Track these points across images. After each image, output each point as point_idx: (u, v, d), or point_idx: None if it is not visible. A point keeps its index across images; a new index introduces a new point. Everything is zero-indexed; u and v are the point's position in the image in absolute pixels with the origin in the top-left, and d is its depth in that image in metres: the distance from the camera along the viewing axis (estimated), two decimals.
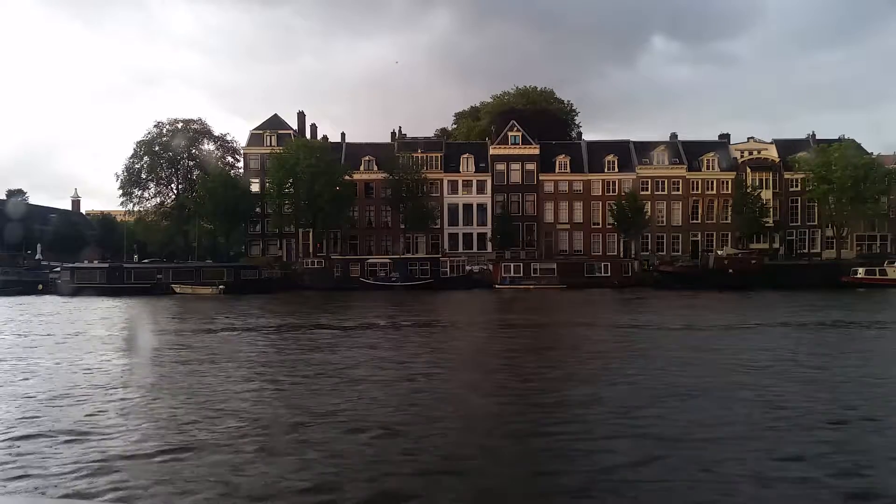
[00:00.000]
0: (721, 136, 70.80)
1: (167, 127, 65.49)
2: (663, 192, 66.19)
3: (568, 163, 66.70)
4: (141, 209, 66.69)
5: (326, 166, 58.48)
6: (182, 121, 65.94)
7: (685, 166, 66.41)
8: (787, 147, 66.53)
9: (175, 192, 66.73)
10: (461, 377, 14.38)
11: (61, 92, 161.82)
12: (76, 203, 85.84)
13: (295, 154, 58.20)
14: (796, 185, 64.65)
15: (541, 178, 66.67)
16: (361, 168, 65.83)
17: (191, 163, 66.18)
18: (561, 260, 59.21)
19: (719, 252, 59.12)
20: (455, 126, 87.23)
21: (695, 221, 66.07)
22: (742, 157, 67.37)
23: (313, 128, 72.27)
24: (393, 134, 71.92)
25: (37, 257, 61.73)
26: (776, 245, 64.12)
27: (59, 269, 53.55)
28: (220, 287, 49.41)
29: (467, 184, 67.39)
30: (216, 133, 67.33)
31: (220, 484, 7.10)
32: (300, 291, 50.57)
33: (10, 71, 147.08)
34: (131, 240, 70.90)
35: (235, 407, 10.77)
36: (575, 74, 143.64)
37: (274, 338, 21.92)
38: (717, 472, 7.43)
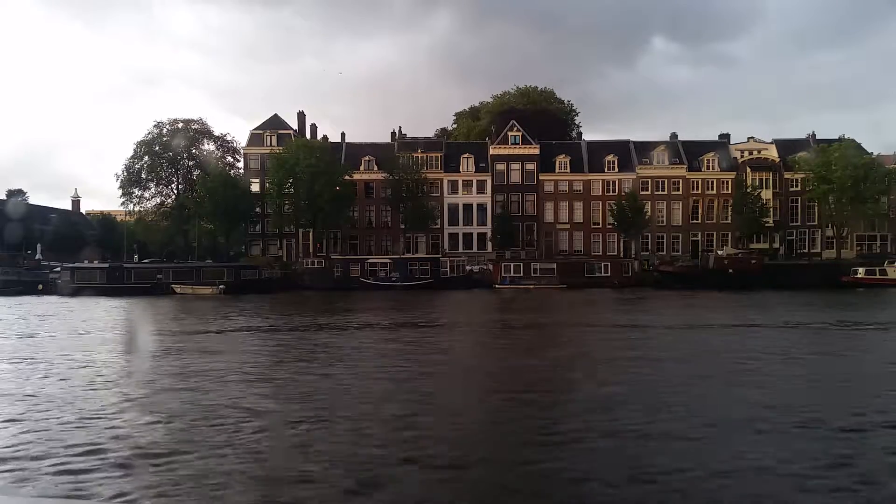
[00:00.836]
0: (721, 136, 70.80)
1: (167, 127, 65.60)
2: (663, 192, 66.20)
3: (568, 163, 66.72)
4: (141, 209, 66.78)
5: (326, 166, 58.52)
6: (182, 121, 66.03)
7: (685, 166, 66.42)
8: (787, 147, 66.53)
9: (175, 192, 66.76)
10: (461, 377, 14.40)
11: (62, 92, 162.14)
12: (76, 203, 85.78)
13: (295, 154, 58.24)
14: (796, 185, 64.65)
15: (541, 178, 66.69)
16: (361, 168, 65.87)
17: (191, 163, 66.23)
18: (561, 260, 59.22)
19: (719, 252, 59.11)
20: (455, 126, 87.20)
21: (695, 221, 66.08)
22: (742, 157, 67.36)
23: (313, 128, 72.37)
24: (393, 134, 71.96)
25: (37, 257, 61.68)
26: (776, 245, 64.10)
27: (59, 269, 53.56)
28: (221, 287, 49.45)
29: (467, 184, 67.42)
30: (216, 133, 67.55)
31: (221, 484, 7.10)
32: (300, 291, 50.62)
33: (11, 71, 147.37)
34: (131, 240, 70.92)
35: (235, 406, 10.78)
36: (575, 75, 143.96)
37: (274, 338, 21.92)
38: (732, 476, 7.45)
